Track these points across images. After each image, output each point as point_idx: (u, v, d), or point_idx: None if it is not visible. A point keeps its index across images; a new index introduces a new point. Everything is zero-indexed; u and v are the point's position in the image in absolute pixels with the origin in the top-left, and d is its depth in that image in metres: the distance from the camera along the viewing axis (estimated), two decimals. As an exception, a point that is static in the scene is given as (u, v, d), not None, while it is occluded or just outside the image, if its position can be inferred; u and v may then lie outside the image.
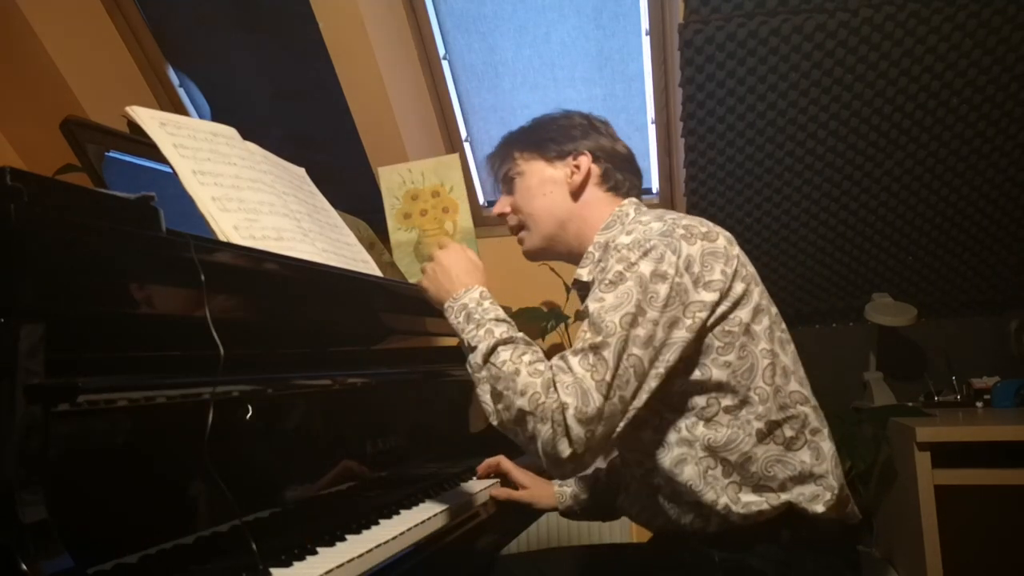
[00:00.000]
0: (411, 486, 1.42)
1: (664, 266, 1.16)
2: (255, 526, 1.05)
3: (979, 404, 2.59)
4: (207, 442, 0.93)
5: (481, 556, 1.40)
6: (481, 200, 3.22)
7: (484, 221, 3.20)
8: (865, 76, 2.34)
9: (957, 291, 2.77)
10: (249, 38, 3.15)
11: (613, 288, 1.17)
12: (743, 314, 1.20)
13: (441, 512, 1.27)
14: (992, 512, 2.14)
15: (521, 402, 1.12)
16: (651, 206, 1.56)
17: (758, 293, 1.24)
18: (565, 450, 1.10)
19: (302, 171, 1.64)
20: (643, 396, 1.15)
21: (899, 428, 2.31)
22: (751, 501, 1.18)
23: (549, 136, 1.42)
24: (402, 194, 2.36)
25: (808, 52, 2.31)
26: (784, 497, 1.18)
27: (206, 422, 0.92)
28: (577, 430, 1.10)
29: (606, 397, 1.11)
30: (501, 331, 1.21)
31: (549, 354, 1.20)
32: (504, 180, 1.46)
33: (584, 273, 1.37)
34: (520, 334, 1.23)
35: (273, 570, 0.94)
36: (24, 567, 0.73)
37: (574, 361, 1.14)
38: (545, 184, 1.40)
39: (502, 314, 1.26)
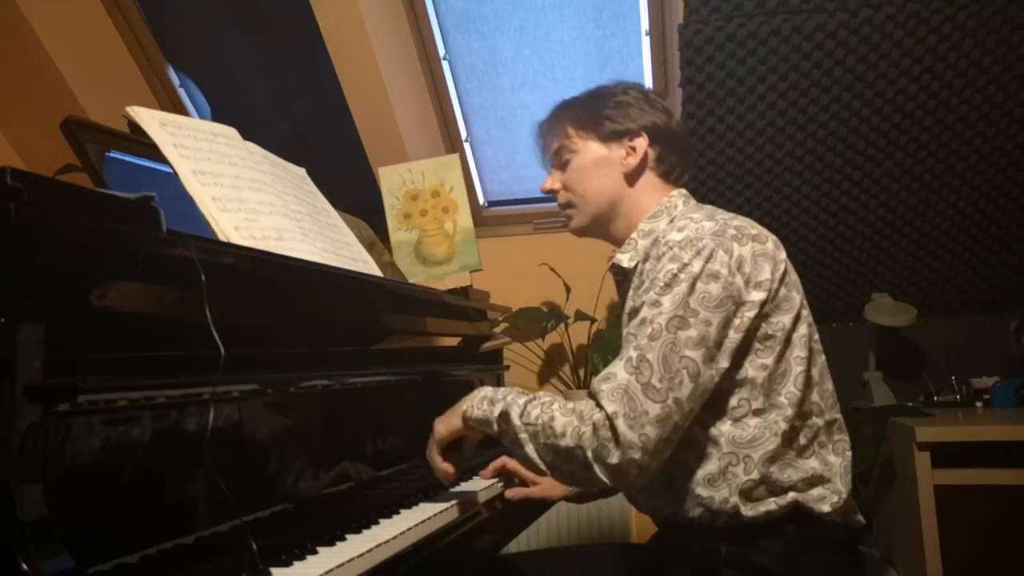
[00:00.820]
0: (411, 486, 1.42)
1: (716, 265, 1.16)
2: (255, 526, 1.05)
3: (979, 404, 2.59)
4: (207, 442, 0.93)
5: (481, 556, 1.40)
6: (481, 200, 3.22)
7: (484, 221, 3.20)
8: (865, 76, 2.34)
9: (957, 291, 2.77)
10: (249, 38, 3.15)
11: (668, 291, 1.17)
12: (786, 320, 1.21)
13: (441, 512, 1.27)
14: (992, 512, 2.13)
15: (565, 442, 1.15)
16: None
17: (799, 301, 1.24)
18: (618, 458, 1.11)
19: (302, 171, 1.64)
20: (699, 397, 1.16)
21: (899, 428, 2.31)
22: (761, 500, 1.19)
23: (606, 113, 1.37)
24: (402, 194, 2.36)
25: (808, 52, 2.31)
26: (792, 496, 1.19)
27: (206, 422, 0.92)
28: (629, 435, 1.11)
29: (654, 400, 1.12)
30: (524, 398, 1.23)
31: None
32: (555, 155, 1.43)
33: (624, 259, 1.35)
34: (542, 392, 1.25)
35: (273, 570, 0.94)
36: (24, 567, 0.73)
37: (619, 367, 1.16)
38: (599, 166, 1.37)
39: (517, 389, 1.28)
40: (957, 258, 2.69)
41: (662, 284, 1.17)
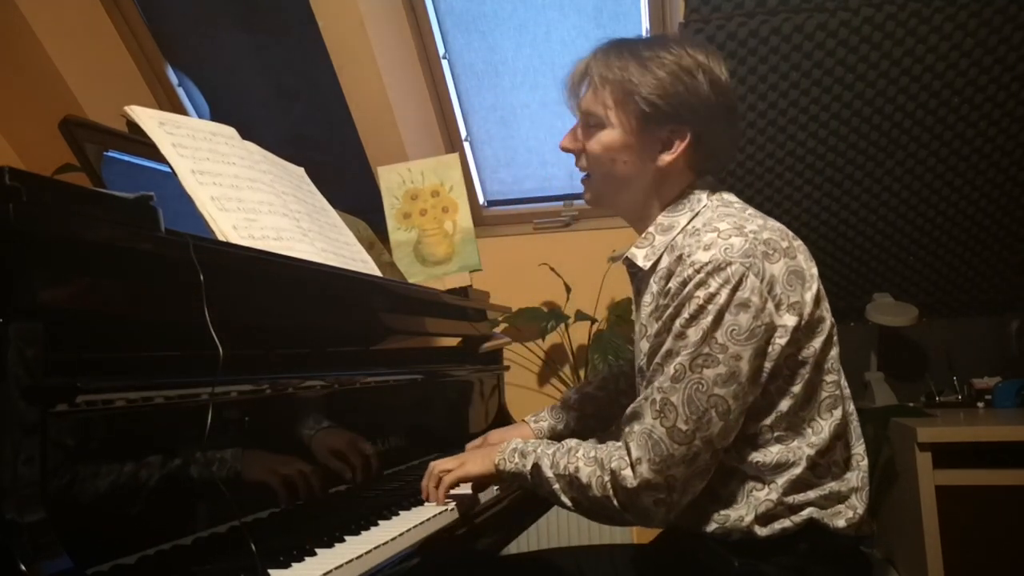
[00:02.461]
0: (410, 487, 1.42)
1: (746, 293, 1.08)
2: (253, 527, 1.04)
3: (980, 404, 2.59)
4: (206, 443, 0.93)
5: (481, 557, 1.39)
6: (481, 200, 3.22)
7: (484, 220, 3.20)
8: (866, 75, 2.34)
9: (958, 291, 2.77)
10: (249, 38, 3.15)
11: (693, 323, 1.09)
12: (817, 344, 1.15)
13: (441, 513, 1.27)
14: (993, 512, 2.13)
15: (592, 492, 1.14)
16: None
17: (829, 321, 1.19)
18: (643, 501, 1.11)
19: (301, 171, 1.63)
20: (732, 432, 1.12)
21: (900, 428, 2.31)
22: (777, 519, 1.16)
23: (660, 93, 1.18)
24: (402, 194, 2.35)
25: (809, 51, 2.31)
26: (808, 512, 1.16)
27: (205, 422, 0.92)
28: (655, 479, 1.10)
29: (679, 443, 1.09)
30: (552, 448, 1.22)
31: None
32: (583, 112, 1.27)
33: (640, 256, 1.26)
34: (569, 438, 1.24)
35: (271, 571, 0.94)
36: (23, 568, 0.73)
37: (645, 407, 1.12)
38: (628, 150, 1.23)
39: (545, 441, 1.27)
40: (959, 258, 2.69)
41: (687, 315, 1.10)
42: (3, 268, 0.78)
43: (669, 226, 1.24)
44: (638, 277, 1.31)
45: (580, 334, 2.87)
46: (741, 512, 1.16)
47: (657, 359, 1.13)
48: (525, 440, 1.29)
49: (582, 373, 2.86)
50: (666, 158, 1.23)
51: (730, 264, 1.09)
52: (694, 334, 1.09)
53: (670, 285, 1.15)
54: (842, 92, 2.38)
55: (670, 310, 1.13)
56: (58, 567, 0.75)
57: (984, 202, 2.54)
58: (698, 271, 1.10)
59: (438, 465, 1.32)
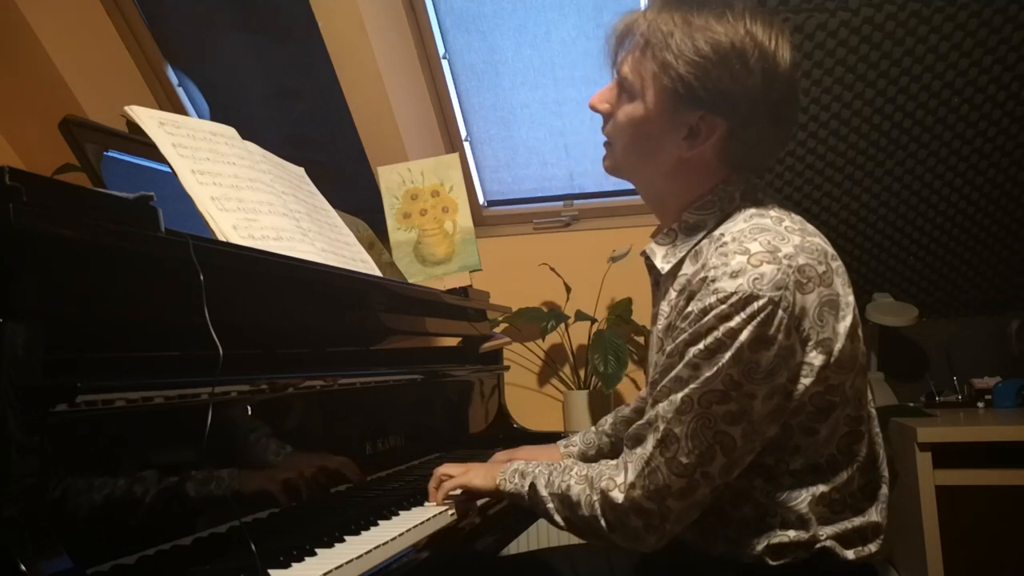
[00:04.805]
0: (410, 487, 1.42)
1: (771, 330, 1.00)
2: (253, 527, 1.04)
3: (980, 404, 2.59)
4: (205, 443, 0.93)
5: (481, 557, 1.39)
6: (481, 200, 3.22)
7: (484, 220, 3.20)
8: (866, 76, 2.34)
9: (958, 291, 2.77)
10: (249, 38, 3.15)
11: (709, 358, 1.01)
12: (848, 381, 1.06)
13: (441, 512, 1.27)
14: (993, 512, 2.13)
15: (581, 512, 1.13)
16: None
17: (861, 352, 1.10)
18: (631, 527, 1.09)
19: (301, 171, 1.63)
20: (735, 470, 1.06)
21: (900, 428, 2.31)
22: (789, 552, 1.10)
23: (698, 75, 1.06)
24: (402, 194, 2.35)
25: (809, 51, 2.31)
26: (821, 544, 1.10)
27: (205, 423, 0.92)
28: (647, 505, 1.07)
29: (678, 475, 1.05)
30: (550, 467, 1.21)
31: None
32: (619, 73, 1.16)
33: (659, 257, 1.17)
34: (569, 460, 1.24)
35: (271, 571, 0.94)
36: (23, 568, 0.73)
37: (648, 432, 1.08)
38: (651, 129, 1.13)
39: (545, 461, 1.27)
40: (958, 258, 2.69)
41: (703, 347, 1.02)
42: (3, 268, 0.78)
43: (695, 225, 1.14)
44: (654, 273, 1.25)
45: (580, 334, 2.87)
46: (752, 541, 1.11)
47: (665, 382, 1.06)
48: (526, 463, 1.28)
49: (582, 373, 2.86)
50: (689, 148, 1.12)
51: (758, 298, 1.00)
52: (708, 368, 1.02)
53: (690, 308, 1.05)
54: (842, 92, 2.38)
55: (685, 336, 1.04)
56: (58, 567, 0.75)
57: (984, 202, 2.54)
58: (722, 301, 1.01)
59: (443, 468, 1.32)
